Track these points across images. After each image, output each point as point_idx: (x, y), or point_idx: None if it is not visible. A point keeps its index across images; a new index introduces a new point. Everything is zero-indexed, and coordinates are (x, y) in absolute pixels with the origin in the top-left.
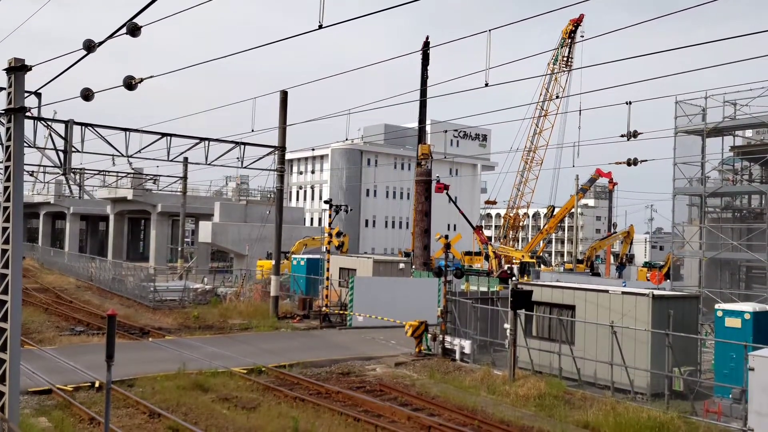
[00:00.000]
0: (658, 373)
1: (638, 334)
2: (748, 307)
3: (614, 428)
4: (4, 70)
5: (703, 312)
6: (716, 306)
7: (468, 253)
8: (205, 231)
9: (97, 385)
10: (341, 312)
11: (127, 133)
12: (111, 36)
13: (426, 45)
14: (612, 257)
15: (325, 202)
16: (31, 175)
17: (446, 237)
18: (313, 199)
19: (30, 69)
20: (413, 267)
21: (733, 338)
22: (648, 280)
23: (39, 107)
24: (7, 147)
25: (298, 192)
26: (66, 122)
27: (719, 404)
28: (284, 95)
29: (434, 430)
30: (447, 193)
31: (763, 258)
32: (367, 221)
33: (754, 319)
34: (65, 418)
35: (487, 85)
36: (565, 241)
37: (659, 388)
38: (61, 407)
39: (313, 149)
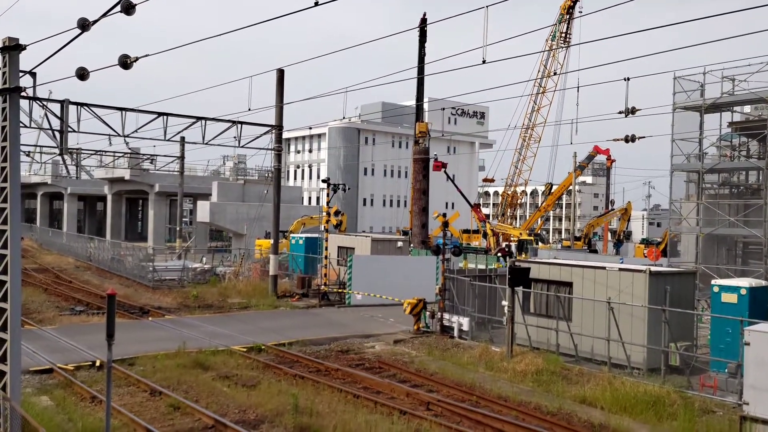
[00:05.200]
0: (655, 348)
1: (635, 310)
2: (744, 282)
3: (611, 403)
4: None
5: (700, 288)
6: (713, 282)
7: (466, 231)
8: (203, 210)
9: (97, 364)
10: (340, 290)
11: (123, 112)
12: (106, 14)
13: (423, 22)
14: (609, 234)
15: (323, 180)
16: (28, 155)
17: (444, 215)
18: (310, 178)
19: (24, 48)
20: (411, 245)
21: (729, 313)
22: (645, 256)
23: (34, 87)
24: (3, 127)
25: (295, 171)
26: (61, 102)
27: (715, 379)
28: (281, 74)
29: (433, 406)
30: (445, 171)
31: (760, 234)
32: (365, 200)
33: (750, 294)
34: (67, 396)
35: (484, 62)
36: (563, 219)
37: (656, 363)
38: (63, 386)
39: (310, 128)
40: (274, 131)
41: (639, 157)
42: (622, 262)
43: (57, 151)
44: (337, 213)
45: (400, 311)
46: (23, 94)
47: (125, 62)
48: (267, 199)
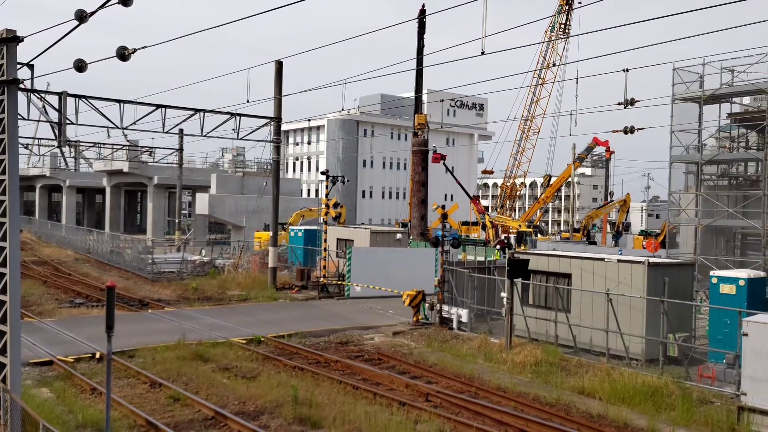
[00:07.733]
0: (653, 339)
1: (634, 301)
2: (742, 273)
3: (609, 393)
4: None
5: (698, 279)
6: (711, 273)
7: (465, 223)
8: (202, 203)
9: (97, 356)
10: (339, 282)
11: (122, 104)
12: (103, 5)
13: (422, 13)
14: (609, 226)
15: (322, 173)
16: (26, 147)
17: (443, 207)
18: (309, 170)
19: (22, 40)
20: (410, 237)
21: (728, 304)
22: (644, 248)
23: (32, 79)
24: (1, 120)
25: (294, 163)
26: (60, 94)
27: (713, 369)
28: (279, 65)
29: (432, 397)
30: (444, 163)
31: (759, 225)
32: (364, 192)
33: (748, 285)
34: (67, 388)
35: (483, 53)
36: (562, 210)
37: (654, 354)
38: (63, 378)
39: (309, 120)
40: (272, 123)
41: (638, 149)
42: (621, 254)
43: (55, 143)
44: (336, 205)
45: (400, 303)
46: (21, 86)
47: (123, 54)
48: (266, 191)
